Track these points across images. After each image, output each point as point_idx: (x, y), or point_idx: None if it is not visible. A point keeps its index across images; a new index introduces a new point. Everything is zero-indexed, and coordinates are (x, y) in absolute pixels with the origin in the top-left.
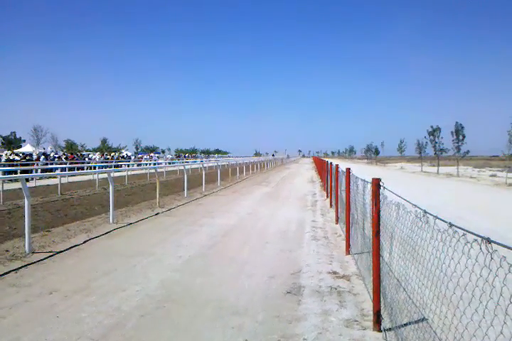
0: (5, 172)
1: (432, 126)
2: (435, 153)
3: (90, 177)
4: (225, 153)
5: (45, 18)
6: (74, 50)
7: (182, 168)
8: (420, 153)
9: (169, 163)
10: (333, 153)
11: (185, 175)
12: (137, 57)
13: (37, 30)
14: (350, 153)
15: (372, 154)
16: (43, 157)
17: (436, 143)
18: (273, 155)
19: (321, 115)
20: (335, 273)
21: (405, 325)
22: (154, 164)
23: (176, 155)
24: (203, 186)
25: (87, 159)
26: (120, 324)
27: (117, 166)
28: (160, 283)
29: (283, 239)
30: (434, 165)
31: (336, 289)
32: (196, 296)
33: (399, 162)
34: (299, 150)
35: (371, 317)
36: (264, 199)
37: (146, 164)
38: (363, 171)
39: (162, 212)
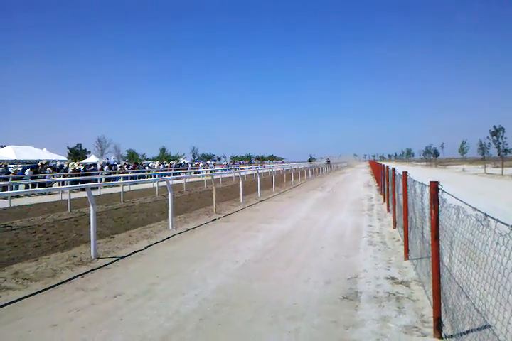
0: (72, 182)
1: (494, 126)
2: (499, 154)
3: (150, 185)
4: (280, 158)
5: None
6: (135, 61)
7: (237, 174)
8: (483, 154)
9: (225, 170)
10: (389, 156)
11: (241, 182)
12: (194, 65)
13: (104, 41)
14: (407, 155)
15: (432, 156)
16: (106, 166)
17: (499, 143)
18: (328, 161)
19: (377, 118)
20: (393, 278)
21: (467, 331)
22: (211, 171)
23: (231, 162)
24: (258, 192)
25: (147, 168)
26: (180, 327)
27: (176, 174)
28: (217, 288)
29: (339, 244)
30: (498, 167)
31: (394, 295)
32: (253, 300)
33: (460, 164)
34: (355, 154)
35: (431, 324)
36: (320, 204)
37: (202, 171)
38: (421, 174)
39: (219, 218)
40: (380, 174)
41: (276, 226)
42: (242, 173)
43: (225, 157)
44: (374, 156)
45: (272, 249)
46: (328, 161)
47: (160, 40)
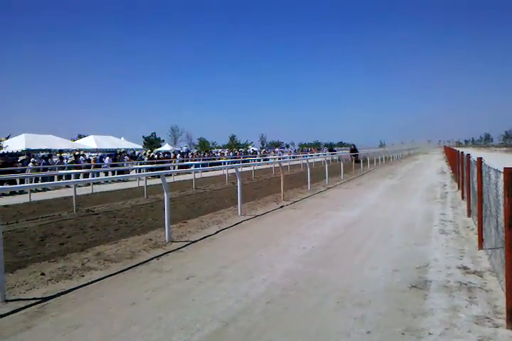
0: (147, 170)
1: None
2: None
3: (221, 172)
4: (349, 145)
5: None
6: (211, 51)
7: (305, 161)
8: None
9: (293, 157)
10: (466, 141)
11: (308, 169)
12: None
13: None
14: (485, 141)
15: None
16: (179, 155)
17: None
18: (353, 150)
19: (451, 101)
20: (465, 268)
21: None
22: (279, 159)
23: (299, 149)
24: (327, 179)
25: (217, 155)
26: (248, 309)
27: (245, 161)
28: (285, 273)
29: (409, 233)
30: None
31: (466, 285)
32: (319, 286)
33: None
34: (428, 140)
35: (504, 315)
36: (390, 192)
37: (270, 159)
38: (499, 160)
39: (287, 205)
40: (455, 160)
41: (344, 214)
42: (310, 160)
43: (293, 144)
44: (449, 142)
45: (339, 236)
46: (354, 150)
47: (241, 30)
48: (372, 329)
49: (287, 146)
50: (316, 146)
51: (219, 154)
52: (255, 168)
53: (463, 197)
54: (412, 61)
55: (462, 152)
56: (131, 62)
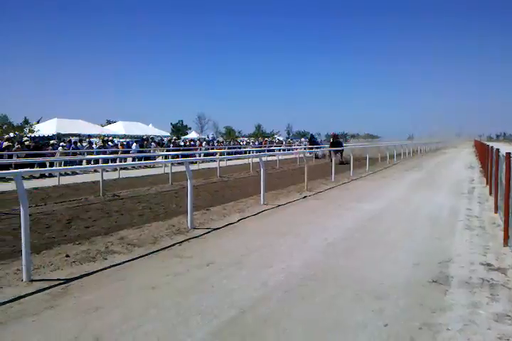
0: (173, 157)
1: None
2: None
3: (246, 161)
4: (376, 137)
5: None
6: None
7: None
8: None
9: (316, 148)
10: (497, 136)
11: (333, 159)
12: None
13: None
14: None
15: None
16: (204, 142)
17: None
18: (334, 140)
19: (484, 96)
20: (489, 264)
21: None
22: (305, 149)
23: (325, 139)
24: (351, 171)
25: (243, 143)
26: (266, 297)
27: (270, 150)
28: (304, 262)
29: (433, 227)
30: None
31: (488, 282)
32: (338, 277)
33: None
34: (458, 134)
35: None
36: (415, 185)
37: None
38: None
39: (309, 196)
40: (484, 155)
41: (367, 206)
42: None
43: (319, 134)
44: (480, 136)
45: (360, 228)
46: (335, 139)
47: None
48: (390, 322)
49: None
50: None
51: (244, 143)
52: (280, 157)
53: (491, 193)
54: (449, 54)
55: (492, 146)
56: (162, 50)
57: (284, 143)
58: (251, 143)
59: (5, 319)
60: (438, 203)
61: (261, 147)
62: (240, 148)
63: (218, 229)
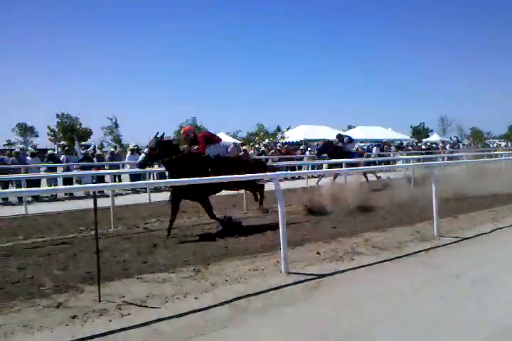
0: (414, 161)
1: None
2: None
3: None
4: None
5: None
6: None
7: None
8: None
9: None
10: None
11: None
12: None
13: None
14: None
15: None
16: (448, 145)
17: None
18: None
19: None
20: None
21: None
22: None
23: None
24: None
25: (493, 146)
26: None
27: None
28: None
29: None
30: None
31: None
32: None
33: None
34: None
35: None
36: None
37: None
38: None
39: None
40: None
41: None
42: None
43: None
44: None
45: None
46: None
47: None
48: None
49: None
50: None
51: (495, 145)
52: None
53: None
54: None
55: None
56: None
57: None
58: (502, 146)
59: (267, 306)
60: None
61: None
62: (489, 151)
63: (468, 238)
